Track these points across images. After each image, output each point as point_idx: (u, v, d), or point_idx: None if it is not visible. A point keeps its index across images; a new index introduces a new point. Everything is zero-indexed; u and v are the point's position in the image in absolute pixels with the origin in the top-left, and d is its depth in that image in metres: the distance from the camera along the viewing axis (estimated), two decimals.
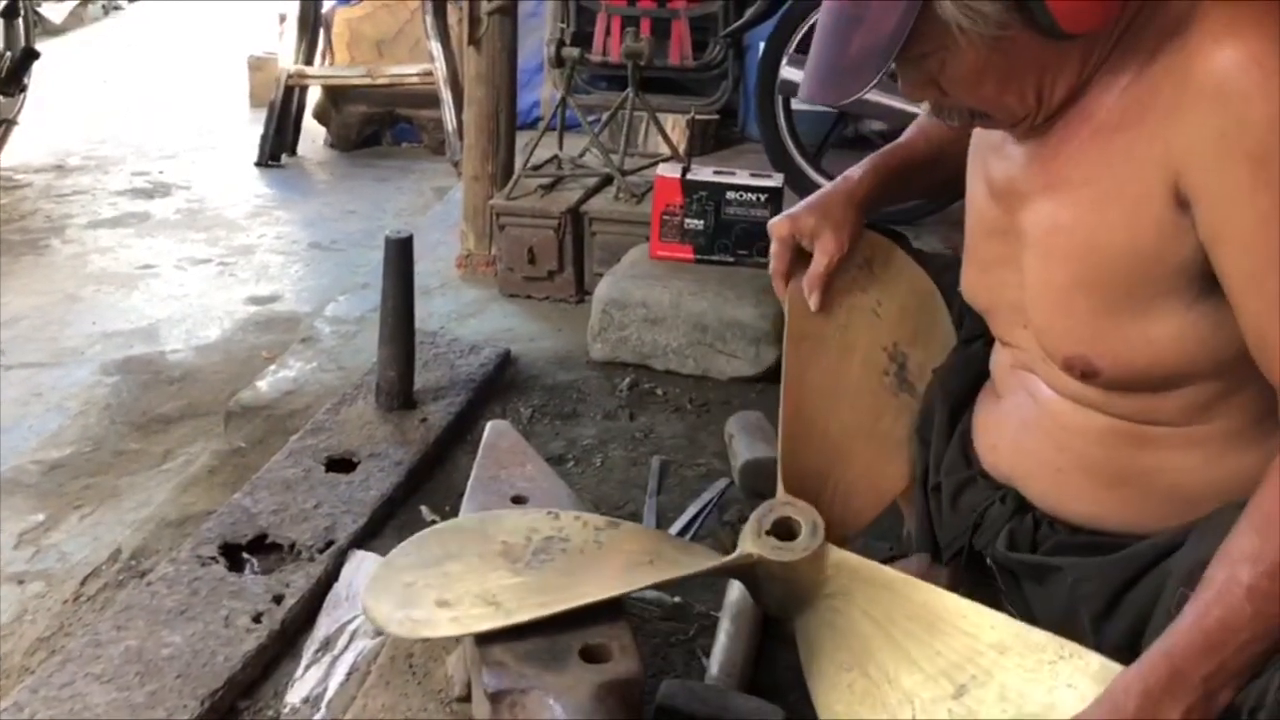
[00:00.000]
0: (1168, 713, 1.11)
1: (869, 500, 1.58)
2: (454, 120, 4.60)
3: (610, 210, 3.19)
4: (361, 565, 1.88)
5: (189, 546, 1.95)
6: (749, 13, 3.48)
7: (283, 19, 5.31)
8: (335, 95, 5.17)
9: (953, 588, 1.41)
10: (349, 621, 1.75)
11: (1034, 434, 1.39)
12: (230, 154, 5.16)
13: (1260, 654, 1.10)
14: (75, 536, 2.38)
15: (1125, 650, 1.27)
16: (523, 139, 3.43)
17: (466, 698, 1.52)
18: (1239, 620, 1.10)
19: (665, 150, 3.59)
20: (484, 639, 1.39)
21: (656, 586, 1.60)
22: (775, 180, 2.92)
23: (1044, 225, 1.29)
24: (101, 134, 5.38)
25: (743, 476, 2.20)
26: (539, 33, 4.37)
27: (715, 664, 1.67)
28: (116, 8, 8.33)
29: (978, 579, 1.50)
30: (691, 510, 2.16)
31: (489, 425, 1.87)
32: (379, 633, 1.62)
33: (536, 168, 3.32)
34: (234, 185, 4.77)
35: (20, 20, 4.63)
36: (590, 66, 4.27)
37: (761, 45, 3.79)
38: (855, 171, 1.60)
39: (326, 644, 1.74)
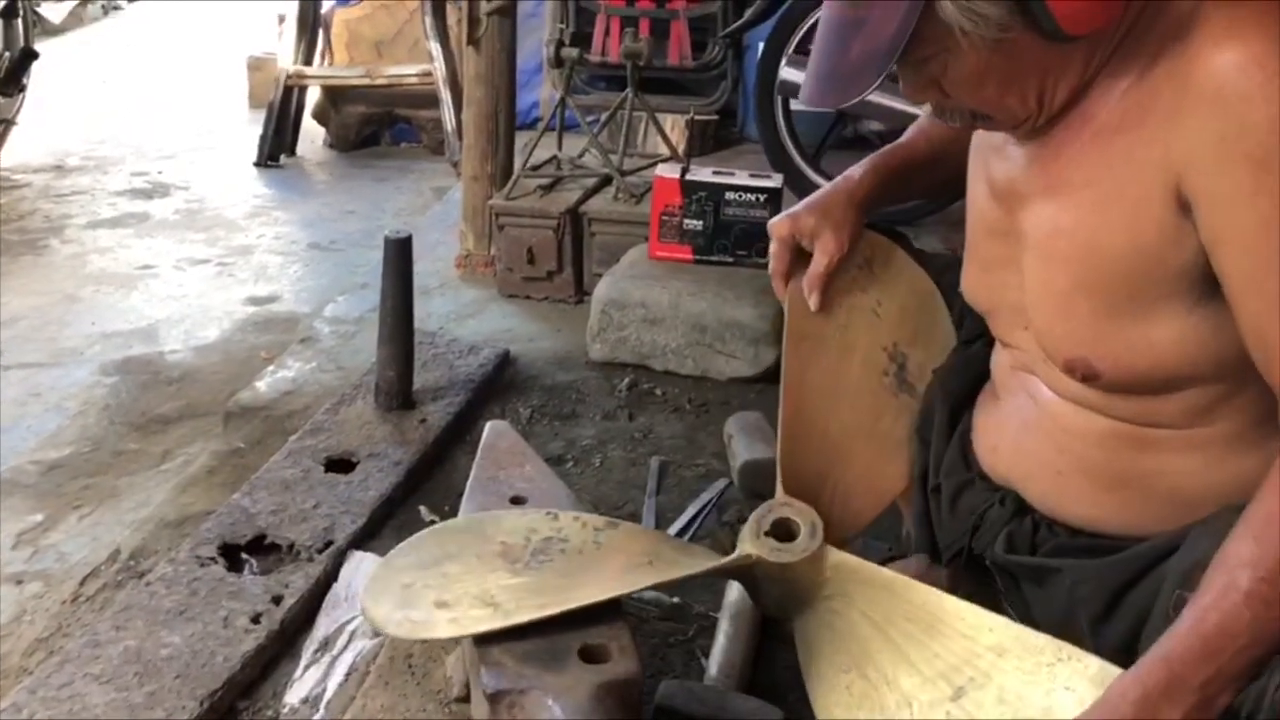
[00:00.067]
0: (1166, 717, 1.11)
1: (868, 501, 1.58)
2: (453, 120, 4.60)
3: (609, 210, 3.19)
4: (360, 565, 1.88)
5: (188, 547, 1.94)
6: (748, 13, 3.47)
7: (282, 19, 5.31)
8: (334, 95, 5.17)
9: (952, 589, 1.41)
10: (348, 622, 1.75)
11: (1034, 436, 1.39)
12: (229, 154, 5.16)
13: (1258, 658, 1.10)
14: (74, 537, 2.38)
15: (1123, 652, 1.27)
16: (522, 139, 3.43)
17: (465, 698, 1.52)
18: (1237, 625, 1.09)
19: (664, 151, 3.59)
20: (483, 639, 1.39)
21: (655, 587, 1.60)
22: (774, 181, 2.92)
23: (1045, 227, 1.29)
24: (100, 134, 5.38)
25: (742, 477, 2.20)
26: (538, 33, 4.37)
27: (714, 664, 1.67)
28: (116, 8, 8.33)
29: (977, 580, 1.50)
30: (690, 511, 2.16)
31: (488, 425, 1.87)
32: (378, 633, 1.62)
33: (535, 168, 3.32)
34: (233, 185, 4.78)
35: (19, 20, 4.63)
36: (589, 67, 4.27)
37: (760, 45, 3.78)
38: (855, 171, 1.59)
39: (325, 644, 1.74)
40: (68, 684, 1.64)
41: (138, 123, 5.59)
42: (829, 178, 1.62)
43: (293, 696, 1.68)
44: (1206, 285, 1.18)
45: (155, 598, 1.81)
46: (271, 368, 2.85)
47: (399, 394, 2.41)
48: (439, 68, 4.69)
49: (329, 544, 1.96)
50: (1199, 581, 1.14)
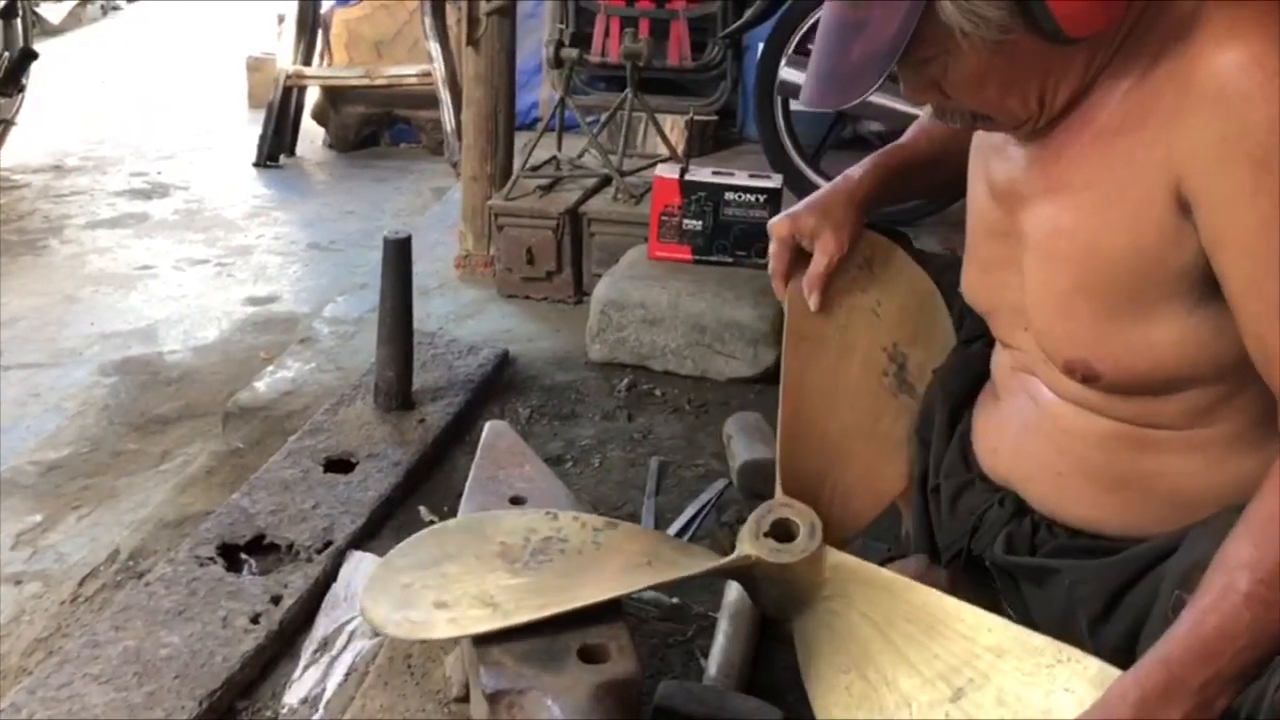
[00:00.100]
0: (1164, 718, 1.11)
1: (868, 501, 1.58)
2: (452, 121, 4.60)
3: (609, 211, 3.19)
4: (360, 566, 1.88)
5: (187, 547, 1.94)
6: (748, 13, 3.47)
7: (281, 20, 5.31)
8: (334, 96, 5.17)
9: (951, 590, 1.41)
10: (347, 622, 1.75)
11: (1034, 437, 1.39)
12: (228, 154, 5.16)
13: (1257, 660, 1.10)
14: (73, 537, 2.37)
15: (1122, 653, 1.27)
16: (521, 140, 3.43)
17: (465, 698, 1.52)
18: (1236, 628, 1.09)
19: (664, 151, 3.59)
20: (482, 639, 1.39)
21: (654, 587, 1.60)
22: (774, 181, 2.92)
23: (1045, 228, 1.28)
24: (100, 134, 5.38)
25: (741, 477, 2.20)
26: (537, 33, 4.37)
27: (713, 665, 1.67)
28: (115, 8, 8.33)
29: (977, 581, 1.50)
30: (690, 511, 2.15)
31: (487, 426, 1.87)
32: (377, 633, 1.62)
33: (535, 168, 3.32)
34: (232, 186, 4.77)
35: (19, 20, 4.63)
36: (589, 67, 4.28)
37: (760, 46, 3.79)
38: (856, 171, 1.59)
39: (325, 644, 1.74)
40: (67, 684, 1.64)
41: (137, 123, 5.59)
42: (828, 178, 1.62)
43: (292, 697, 1.68)
44: (1207, 287, 1.18)
45: (154, 598, 1.81)
46: (271, 368, 2.85)
47: (398, 394, 2.41)
48: (438, 68, 4.69)
49: (328, 544, 1.96)
50: (1198, 582, 1.14)
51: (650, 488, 2.24)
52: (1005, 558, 1.43)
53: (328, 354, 2.89)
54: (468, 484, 1.72)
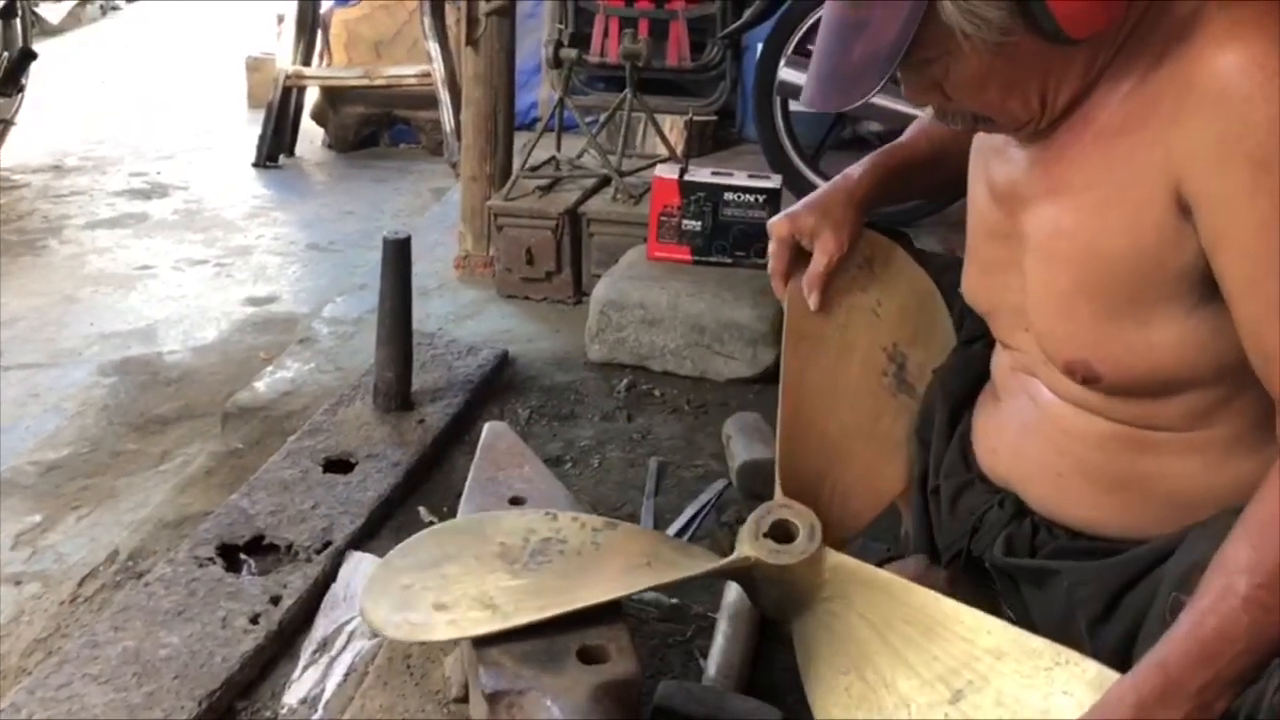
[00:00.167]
0: None
1: (867, 502, 1.58)
2: (452, 121, 4.61)
3: (608, 211, 3.19)
4: (359, 566, 1.87)
5: (186, 547, 1.94)
6: (747, 14, 3.47)
7: (280, 20, 5.31)
8: (333, 96, 5.17)
9: (951, 590, 1.41)
10: (346, 622, 1.75)
11: (1034, 438, 1.39)
12: (228, 155, 5.16)
13: (1256, 663, 1.10)
14: (72, 537, 2.37)
15: (1122, 654, 1.27)
16: (521, 140, 3.43)
17: (464, 699, 1.52)
18: (1235, 631, 1.09)
19: (663, 151, 3.59)
20: (482, 640, 1.39)
21: (654, 588, 1.60)
22: (773, 181, 2.93)
23: (1046, 229, 1.28)
24: (99, 134, 5.38)
25: (740, 478, 2.20)
26: (537, 34, 4.37)
27: (713, 665, 1.67)
28: (114, 8, 8.33)
29: (976, 582, 1.50)
30: (689, 511, 2.15)
31: (487, 426, 1.87)
32: (376, 634, 1.62)
33: (534, 169, 3.32)
34: (232, 186, 4.78)
35: (18, 20, 4.63)
36: (588, 67, 4.28)
37: (759, 46, 3.79)
38: (855, 170, 1.59)
39: (324, 645, 1.74)
40: (66, 684, 1.64)
41: (136, 123, 5.59)
42: (827, 179, 1.62)
43: (291, 697, 1.68)
44: (1207, 288, 1.18)
45: (154, 598, 1.81)
46: (270, 368, 2.85)
47: (397, 395, 2.41)
48: (438, 68, 4.69)
49: (327, 544, 1.96)
50: (1196, 584, 1.14)
51: (649, 488, 2.24)
52: (1005, 559, 1.43)
53: (327, 354, 2.89)
54: (467, 484, 1.72)
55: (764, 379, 2.64)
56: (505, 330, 3.01)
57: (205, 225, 4.35)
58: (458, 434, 2.41)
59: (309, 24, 5.00)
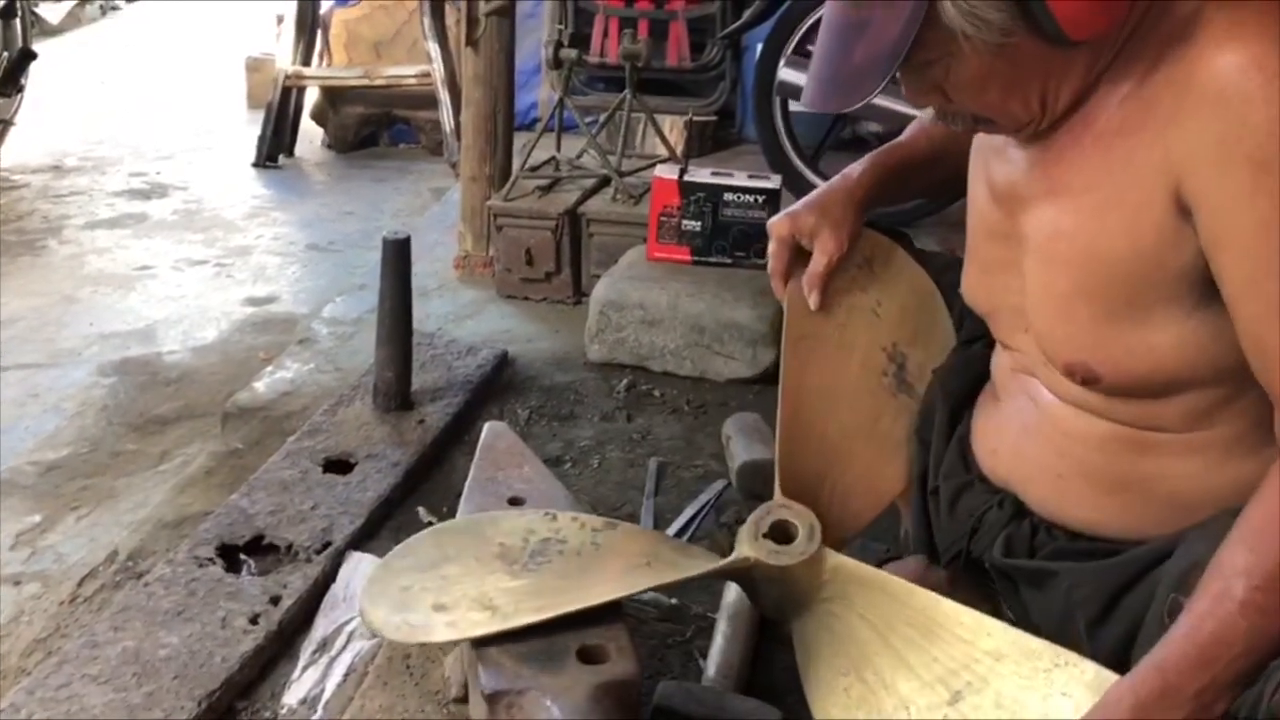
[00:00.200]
0: None
1: (867, 502, 1.58)
2: (451, 121, 4.61)
3: (608, 211, 3.19)
4: (359, 566, 1.87)
5: (186, 548, 1.94)
6: (747, 14, 3.46)
7: (280, 20, 5.32)
8: (333, 96, 5.17)
9: (950, 591, 1.41)
10: (346, 623, 1.75)
11: (1034, 439, 1.39)
12: (227, 155, 5.16)
13: (1253, 666, 1.10)
14: (72, 538, 2.37)
15: (1120, 655, 1.27)
16: (520, 140, 3.43)
17: (463, 699, 1.52)
18: (1233, 635, 1.09)
19: (663, 151, 3.59)
20: (481, 640, 1.39)
21: (653, 589, 1.60)
22: (773, 182, 2.93)
23: (1045, 231, 1.28)
24: (99, 135, 5.38)
25: (740, 478, 2.20)
26: (537, 34, 4.37)
27: (712, 665, 1.67)
28: (114, 8, 8.33)
29: (976, 581, 1.50)
30: (689, 512, 2.15)
31: (486, 426, 1.87)
32: (375, 636, 1.62)
33: (534, 169, 3.32)
34: (231, 186, 4.77)
35: (17, 21, 4.63)
36: (588, 68, 4.28)
37: (759, 46, 3.79)
38: (855, 169, 1.59)
39: (324, 645, 1.74)
40: (66, 685, 1.63)
41: (136, 123, 5.59)
42: (827, 179, 1.62)
43: (291, 697, 1.68)
44: (1206, 289, 1.18)
45: (153, 598, 1.81)
46: (270, 368, 2.85)
47: (397, 395, 2.41)
48: (437, 68, 4.69)
49: (327, 545, 1.96)
50: (1194, 585, 1.14)
51: (649, 488, 2.24)
52: (1004, 560, 1.42)
53: (327, 354, 2.89)
54: (466, 485, 1.72)
55: (764, 379, 2.64)
56: (505, 330, 3.01)
57: (205, 225, 4.35)
58: (457, 434, 2.41)
59: (309, 24, 5.00)
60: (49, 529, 2.41)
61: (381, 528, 2.07)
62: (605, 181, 3.31)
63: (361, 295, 3.21)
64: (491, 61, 3.25)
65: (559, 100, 3.38)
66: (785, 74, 3.60)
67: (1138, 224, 1.19)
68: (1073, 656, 1.24)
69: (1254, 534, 1.11)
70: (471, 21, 3.20)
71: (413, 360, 2.45)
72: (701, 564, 1.50)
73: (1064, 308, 1.28)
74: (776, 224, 1.57)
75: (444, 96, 4.67)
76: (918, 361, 1.61)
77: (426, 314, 3.03)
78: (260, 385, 2.74)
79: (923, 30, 1.13)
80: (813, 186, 1.63)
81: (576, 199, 3.21)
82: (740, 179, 2.90)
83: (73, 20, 7.64)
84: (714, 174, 2.93)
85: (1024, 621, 1.40)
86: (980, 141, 1.40)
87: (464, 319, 3.09)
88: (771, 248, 1.58)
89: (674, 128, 4.11)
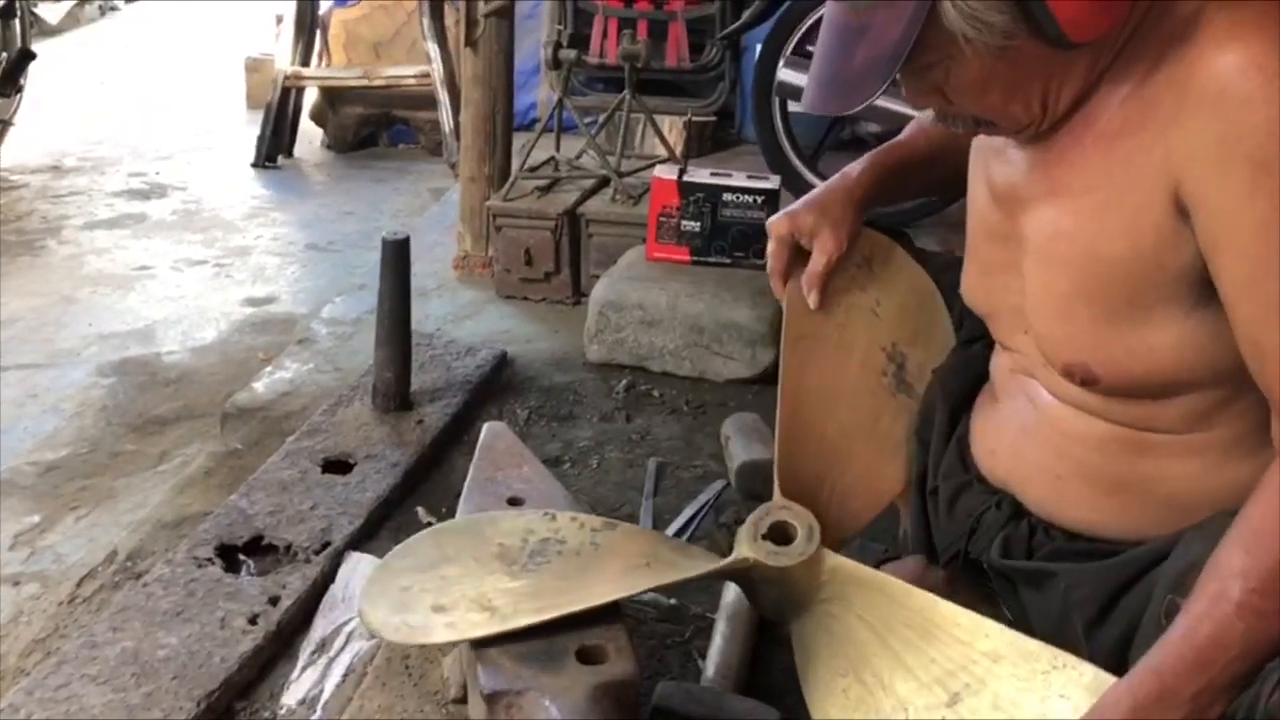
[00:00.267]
0: None
1: (866, 503, 1.58)
2: (451, 122, 4.61)
3: (607, 212, 3.19)
4: (358, 567, 1.87)
5: (185, 548, 1.94)
6: (746, 14, 3.45)
7: (279, 20, 5.31)
8: (332, 97, 5.17)
9: (949, 591, 1.41)
10: (345, 623, 1.75)
11: (1033, 440, 1.39)
12: (227, 155, 5.16)
13: (1251, 668, 1.10)
14: (71, 538, 2.37)
15: (1118, 656, 1.27)
16: (520, 140, 3.43)
17: (463, 699, 1.52)
18: (1229, 637, 1.09)
19: (662, 152, 3.59)
20: (480, 640, 1.39)
21: (653, 589, 1.60)
22: (772, 182, 2.93)
23: (1045, 232, 1.28)
24: (98, 135, 5.38)
25: (739, 478, 2.20)
26: (536, 34, 4.37)
27: (711, 666, 1.67)
28: (113, 8, 8.33)
29: (974, 581, 1.50)
30: (688, 512, 2.15)
31: (485, 427, 1.87)
32: (374, 637, 1.62)
33: (533, 169, 3.32)
34: (231, 186, 4.77)
35: (17, 21, 4.63)
36: (587, 68, 4.28)
37: (758, 47, 3.79)
38: (854, 169, 1.59)
39: (323, 645, 1.74)
40: (65, 685, 1.63)
41: (135, 124, 5.59)
42: (826, 179, 1.62)
43: (290, 698, 1.68)
44: (1205, 290, 1.18)
45: (152, 599, 1.81)
46: (269, 369, 2.85)
47: (396, 395, 2.41)
48: (437, 69, 4.69)
49: (326, 545, 1.96)
50: (1191, 586, 1.14)
51: (648, 489, 2.24)
52: (1002, 561, 1.42)
53: (326, 355, 2.89)
54: (466, 485, 1.72)
55: (763, 379, 2.64)
56: (504, 331, 3.01)
57: (204, 226, 4.35)
58: (456, 434, 2.41)
59: (308, 24, 5.00)
60: (48, 529, 2.41)
61: (380, 528, 2.07)
62: (604, 182, 3.31)
63: (361, 295, 3.21)
64: (490, 62, 3.25)
65: (558, 101, 3.38)
66: (784, 74, 3.60)
67: (1137, 225, 1.19)
68: (1071, 659, 1.24)
69: (1251, 536, 1.11)
70: (470, 22, 3.20)
71: (412, 361, 2.45)
72: (700, 564, 1.50)
73: (1063, 309, 1.28)
74: (776, 223, 1.57)
75: (443, 97, 4.67)
76: (917, 361, 1.61)
77: (426, 314, 3.03)
78: (259, 385, 2.74)
79: (923, 33, 1.13)
80: (812, 187, 1.63)
81: (576, 199, 3.21)
82: (739, 179, 2.90)
83: (72, 20, 7.65)
84: (713, 174, 2.93)
85: (1022, 622, 1.40)
86: (980, 142, 1.40)
87: (463, 319, 3.09)
88: (771, 247, 1.58)
89: (673, 128, 4.11)
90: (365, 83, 4.97)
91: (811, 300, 1.56)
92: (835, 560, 1.42)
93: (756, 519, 1.45)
